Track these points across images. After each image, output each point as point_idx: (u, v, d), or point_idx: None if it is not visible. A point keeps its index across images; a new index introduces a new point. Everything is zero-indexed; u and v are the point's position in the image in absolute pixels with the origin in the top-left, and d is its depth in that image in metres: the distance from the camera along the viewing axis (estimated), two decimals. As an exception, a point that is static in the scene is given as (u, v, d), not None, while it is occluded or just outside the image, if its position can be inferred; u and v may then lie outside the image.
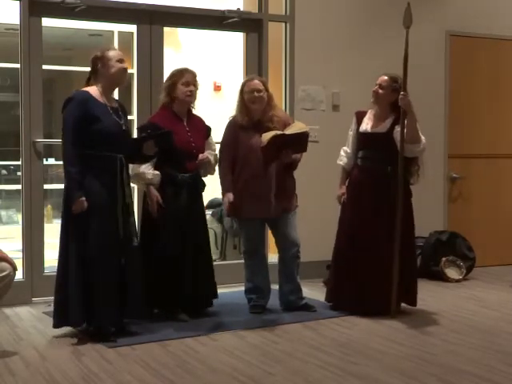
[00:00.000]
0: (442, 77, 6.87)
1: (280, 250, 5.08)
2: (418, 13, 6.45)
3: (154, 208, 4.71)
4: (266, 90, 4.95)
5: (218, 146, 5.07)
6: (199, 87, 4.94)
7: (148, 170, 4.69)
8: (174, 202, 4.74)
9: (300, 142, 4.76)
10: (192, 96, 4.85)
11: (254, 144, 4.85)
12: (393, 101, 4.90)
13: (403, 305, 5.07)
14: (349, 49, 6.40)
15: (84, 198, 4.23)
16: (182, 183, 4.77)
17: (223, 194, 4.96)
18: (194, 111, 5.02)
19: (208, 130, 5.03)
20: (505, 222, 7.13)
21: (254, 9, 6.20)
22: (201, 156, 4.84)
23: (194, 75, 4.87)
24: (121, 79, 4.49)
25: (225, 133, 5.04)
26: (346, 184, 5.12)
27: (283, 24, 6.23)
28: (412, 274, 5.03)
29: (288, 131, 4.73)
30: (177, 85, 4.80)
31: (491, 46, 7.03)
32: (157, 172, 4.71)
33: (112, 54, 4.42)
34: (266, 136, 4.63)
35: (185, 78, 4.82)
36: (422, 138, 4.87)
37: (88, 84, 4.46)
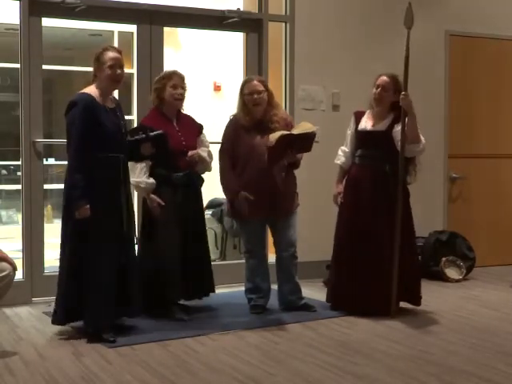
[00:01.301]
0: (442, 77, 6.87)
1: (277, 250, 5.07)
2: (418, 13, 6.43)
3: (157, 211, 4.75)
4: (266, 89, 4.94)
5: (215, 146, 5.08)
6: (188, 89, 4.98)
7: (143, 177, 4.73)
8: (171, 201, 4.77)
9: (306, 141, 4.75)
10: (181, 99, 4.90)
11: (255, 144, 4.84)
12: (393, 100, 4.89)
13: (404, 305, 5.07)
14: (349, 49, 6.40)
15: (88, 206, 4.23)
16: (176, 182, 4.81)
17: (234, 194, 4.87)
18: (185, 111, 5.05)
19: (199, 127, 5.06)
20: (505, 222, 7.13)
21: (254, 9, 6.20)
22: (190, 153, 4.87)
23: (182, 78, 4.92)
24: (111, 85, 4.44)
25: (225, 132, 5.02)
26: (344, 183, 5.12)
27: (283, 24, 6.23)
28: (414, 274, 5.03)
29: (295, 131, 4.72)
30: (166, 87, 4.87)
31: (491, 45, 7.03)
32: (151, 181, 4.74)
33: (106, 57, 4.36)
34: (274, 136, 4.60)
35: (173, 81, 4.87)
36: (422, 138, 4.87)
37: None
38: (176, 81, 4.87)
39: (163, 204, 4.74)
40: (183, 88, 4.90)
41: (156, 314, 4.81)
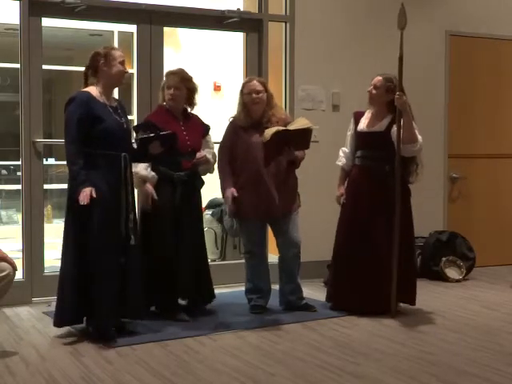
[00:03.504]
0: (442, 77, 6.87)
1: (280, 250, 5.07)
2: (418, 13, 6.49)
3: (149, 203, 4.75)
4: (266, 90, 4.95)
5: (215, 146, 5.09)
6: (195, 87, 4.95)
7: (145, 170, 4.73)
8: (170, 200, 4.76)
9: (303, 138, 4.74)
10: (174, 100, 4.85)
11: (253, 143, 4.85)
12: (389, 101, 4.90)
13: (403, 305, 5.07)
14: (349, 49, 6.40)
15: (92, 188, 4.19)
16: (177, 182, 4.79)
17: (224, 190, 4.92)
18: (192, 111, 5.05)
19: (206, 128, 5.05)
20: (505, 222, 7.13)
21: (254, 9, 6.20)
22: (198, 155, 4.85)
23: (179, 77, 4.85)
24: (120, 81, 4.51)
25: (225, 133, 5.04)
26: (345, 184, 5.13)
27: (283, 24, 6.23)
28: (410, 274, 5.02)
29: (291, 127, 4.72)
30: (164, 88, 4.90)
31: (491, 46, 7.03)
32: (153, 173, 4.75)
33: (117, 54, 4.41)
34: (269, 131, 4.61)
35: (167, 82, 4.88)
36: (419, 137, 4.88)
37: (86, 80, 4.45)
38: (170, 81, 4.86)
39: (156, 198, 4.73)
40: (178, 88, 4.83)
41: (157, 315, 4.81)
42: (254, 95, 4.89)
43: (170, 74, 4.92)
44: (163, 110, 4.92)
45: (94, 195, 4.19)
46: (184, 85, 4.87)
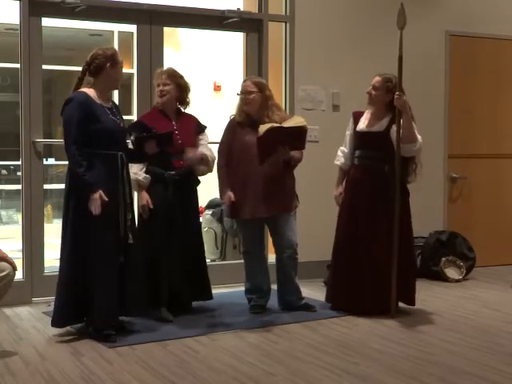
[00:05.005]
0: (442, 77, 6.87)
1: (276, 251, 5.06)
2: (418, 13, 6.49)
3: (146, 209, 4.76)
4: (260, 91, 4.94)
5: (215, 146, 5.08)
6: (188, 85, 4.96)
7: (138, 172, 4.74)
8: (162, 199, 4.77)
9: (298, 136, 4.73)
10: (163, 95, 4.87)
11: (248, 141, 4.84)
12: (388, 101, 4.90)
13: (402, 305, 5.07)
14: (349, 49, 6.40)
15: (100, 192, 4.20)
16: (168, 181, 4.79)
17: (222, 192, 4.94)
18: (188, 110, 5.05)
19: (200, 127, 5.02)
20: (505, 222, 7.13)
21: (254, 9, 6.20)
22: (190, 153, 4.77)
23: (166, 74, 4.90)
24: (116, 86, 4.58)
25: (224, 131, 5.05)
26: (344, 184, 5.13)
27: (283, 24, 6.23)
28: (410, 274, 5.02)
29: (286, 124, 4.72)
30: (155, 88, 4.95)
31: (491, 45, 7.03)
32: (148, 176, 4.77)
33: (120, 58, 4.44)
34: (263, 127, 4.61)
35: (156, 80, 4.94)
36: (418, 137, 4.88)
37: (82, 78, 4.45)
38: (157, 79, 4.92)
39: (150, 207, 4.74)
40: (166, 84, 4.86)
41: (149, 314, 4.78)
42: (244, 95, 4.92)
43: (158, 73, 4.97)
44: (156, 111, 4.94)
45: (106, 198, 4.21)
46: (172, 80, 4.89)
